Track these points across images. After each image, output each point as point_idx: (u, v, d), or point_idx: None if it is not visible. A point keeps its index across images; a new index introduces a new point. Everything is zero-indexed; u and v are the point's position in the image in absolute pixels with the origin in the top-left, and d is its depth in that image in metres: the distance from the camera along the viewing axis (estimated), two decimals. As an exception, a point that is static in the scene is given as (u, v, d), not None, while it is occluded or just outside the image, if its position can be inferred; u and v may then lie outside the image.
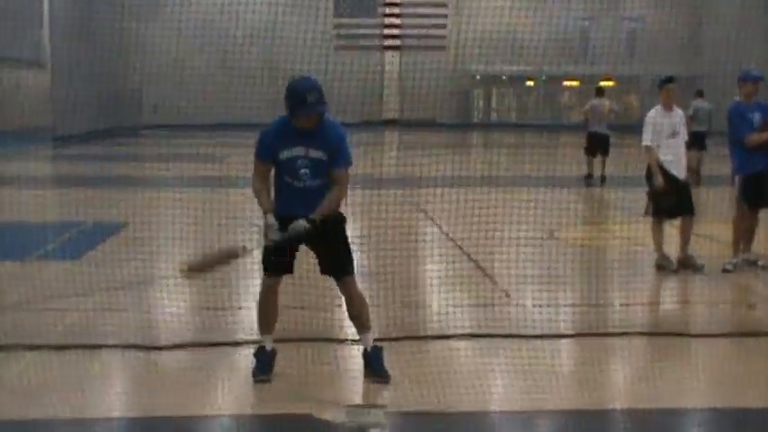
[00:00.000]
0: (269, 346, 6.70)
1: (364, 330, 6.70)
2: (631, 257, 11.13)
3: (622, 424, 6.18)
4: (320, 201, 6.40)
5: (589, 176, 21.40)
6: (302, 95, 6.29)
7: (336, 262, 6.60)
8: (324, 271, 6.71)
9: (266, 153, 6.49)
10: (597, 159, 21.41)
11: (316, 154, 6.39)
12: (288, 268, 6.66)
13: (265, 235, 6.40)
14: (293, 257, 6.63)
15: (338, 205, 6.53)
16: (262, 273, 6.69)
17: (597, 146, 21.33)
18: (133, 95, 39.61)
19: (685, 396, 6.39)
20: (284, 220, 6.39)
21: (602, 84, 26.59)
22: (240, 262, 6.85)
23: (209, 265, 6.68)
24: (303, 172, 6.40)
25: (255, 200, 6.59)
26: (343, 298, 6.74)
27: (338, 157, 6.43)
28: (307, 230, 6.24)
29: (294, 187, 6.46)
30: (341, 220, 6.67)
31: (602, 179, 21.12)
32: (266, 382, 6.53)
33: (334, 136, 6.47)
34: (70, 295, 8.99)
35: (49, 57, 36.77)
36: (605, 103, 21.90)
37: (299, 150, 6.39)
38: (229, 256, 6.65)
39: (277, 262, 6.57)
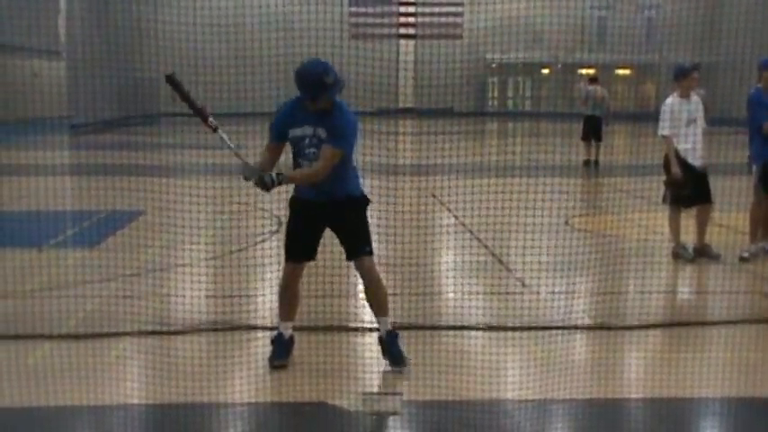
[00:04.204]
0: (287, 332, 6.72)
1: (381, 314, 6.71)
2: (648, 246, 11.11)
3: (639, 413, 6.18)
4: (328, 181, 6.42)
5: (587, 162, 22.17)
6: (319, 79, 6.26)
7: (353, 241, 6.59)
8: (348, 255, 6.71)
9: (276, 132, 6.50)
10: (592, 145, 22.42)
11: (324, 134, 6.39)
12: (310, 255, 6.69)
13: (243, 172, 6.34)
14: (316, 244, 6.66)
15: (310, 179, 6.44)
16: (283, 259, 6.71)
17: (590, 130, 22.28)
18: (150, 84, 39.67)
19: (702, 385, 6.38)
20: (304, 203, 6.57)
21: (619, 71, 26.87)
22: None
23: (186, 97, 6.55)
24: (309, 151, 6.42)
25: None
26: (361, 282, 6.75)
27: (336, 135, 6.38)
28: (266, 183, 6.18)
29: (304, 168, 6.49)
30: (363, 203, 6.68)
31: (596, 164, 22.04)
32: (283, 368, 6.56)
33: (341, 118, 6.43)
34: (88, 282, 9.06)
35: (65, 46, 36.86)
36: (598, 89, 22.91)
37: (307, 129, 6.40)
38: (201, 113, 6.46)
39: (300, 248, 6.61)
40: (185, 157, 23.11)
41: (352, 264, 6.76)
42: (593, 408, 6.04)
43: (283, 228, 6.94)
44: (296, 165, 6.54)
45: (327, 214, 6.54)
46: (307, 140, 6.42)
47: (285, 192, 6.73)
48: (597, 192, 18.61)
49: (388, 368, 6.63)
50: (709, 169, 10.56)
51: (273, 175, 6.24)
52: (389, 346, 6.68)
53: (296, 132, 6.43)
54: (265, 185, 6.22)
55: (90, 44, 32.17)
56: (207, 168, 18.37)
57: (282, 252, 6.71)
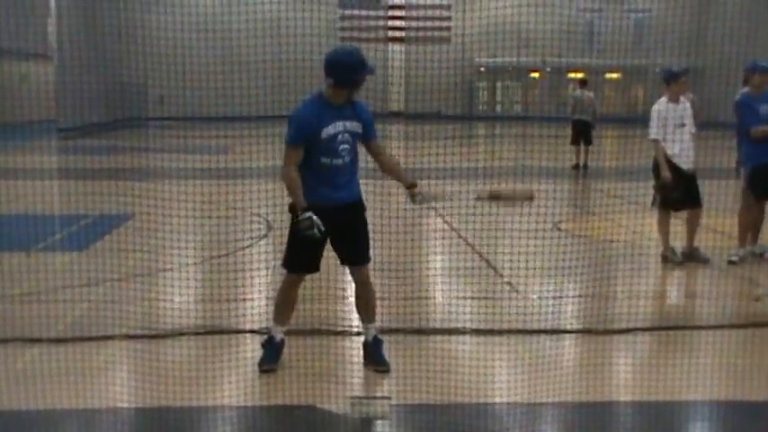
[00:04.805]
0: (279, 336, 6.71)
1: (370, 321, 6.72)
2: (637, 249, 11.12)
3: (628, 416, 6.18)
4: (353, 177, 6.50)
5: (576, 166, 22.25)
6: (359, 59, 6.30)
7: (357, 249, 6.58)
8: (345, 260, 6.66)
9: (306, 136, 6.27)
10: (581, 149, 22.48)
11: (353, 126, 6.37)
12: (317, 268, 6.63)
13: (313, 229, 6.17)
14: (321, 254, 6.56)
15: None
16: (285, 269, 6.63)
17: (579, 134, 22.35)
18: (138, 87, 39.65)
19: (691, 389, 6.39)
20: (320, 209, 6.26)
21: (608, 75, 27.01)
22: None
23: (505, 196, 6.68)
24: (343, 147, 6.34)
25: (287, 191, 6.37)
26: (354, 287, 6.74)
27: (373, 125, 6.49)
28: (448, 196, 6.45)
29: (333, 167, 6.34)
30: (364, 208, 6.66)
31: (585, 168, 22.14)
32: (272, 371, 6.55)
33: (363, 107, 6.50)
34: (76, 287, 9.03)
35: (54, 48, 36.77)
36: (586, 93, 23.01)
37: (338, 126, 6.31)
38: (523, 196, 6.66)
39: (307, 261, 6.52)
40: (172, 161, 23.05)
41: (341, 267, 6.76)
42: (582, 411, 6.04)
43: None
44: (314, 169, 6.36)
45: (335, 219, 6.36)
46: (339, 137, 6.32)
47: (282, 197, 6.63)
48: (586, 196, 18.64)
49: (372, 370, 6.66)
50: (698, 173, 10.59)
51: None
52: (374, 352, 6.68)
53: (329, 131, 6.29)
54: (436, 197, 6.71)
55: (79, 48, 32.11)
56: (194, 172, 18.33)
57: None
